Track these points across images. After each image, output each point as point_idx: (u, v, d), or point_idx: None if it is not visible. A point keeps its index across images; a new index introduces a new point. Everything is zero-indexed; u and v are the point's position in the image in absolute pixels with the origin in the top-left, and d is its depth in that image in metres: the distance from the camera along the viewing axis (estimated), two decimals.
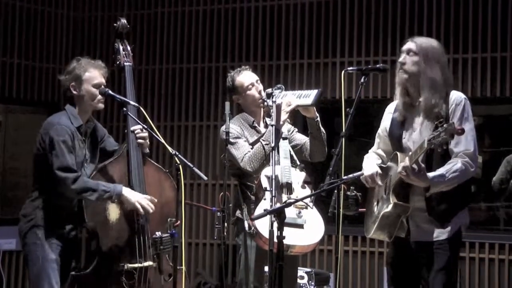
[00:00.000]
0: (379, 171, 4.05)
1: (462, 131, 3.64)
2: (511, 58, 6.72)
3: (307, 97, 4.68)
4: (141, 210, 4.56)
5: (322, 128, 4.80)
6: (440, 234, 3.95)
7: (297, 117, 5.31)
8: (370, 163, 4.15)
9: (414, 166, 3.77)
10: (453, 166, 3.87)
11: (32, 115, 7.61)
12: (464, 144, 3.91)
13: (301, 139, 4.97)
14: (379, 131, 4.27)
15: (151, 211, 4.58)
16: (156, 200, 4.63)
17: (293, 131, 5.01)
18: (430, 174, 3.83)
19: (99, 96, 4.65)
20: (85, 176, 4.56)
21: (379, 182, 4.04)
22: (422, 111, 4.00)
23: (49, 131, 4.53)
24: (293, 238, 4.45)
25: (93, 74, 4.64)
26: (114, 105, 7.52)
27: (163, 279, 4.71)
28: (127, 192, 4.56)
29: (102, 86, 4.66)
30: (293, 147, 4.92)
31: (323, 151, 4.84)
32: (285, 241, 4.21)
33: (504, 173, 6.98)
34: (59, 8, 7.94)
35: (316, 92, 4.66)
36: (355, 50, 7.24)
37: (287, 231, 4.19)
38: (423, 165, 3.80)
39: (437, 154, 3.85)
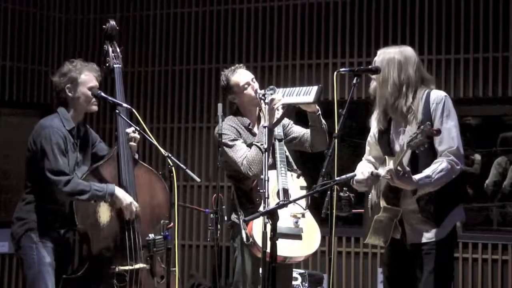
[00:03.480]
0: (373, 170, 4.05)
1: (437, 132, 3.65)
2: (503, 58, 6.73)
3: (307, 94, 4.59)
4: (126, 212, 4.56)
5: (323, 120, 4.75)
6: (434, 235, 3.95)
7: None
8: (363, 166, 4.17)
9: (399, 168, 3.77)
10: (439, 166, 3.86)
11: (24, 118, 7.59)
12: (447, 142, 3.91)
13: (300, 131, 4.91)
14: (368, 138, 4.29)
15: (129, 216, 4.60)
16: (139, 209, 4.63)
17: (289, 125, 4.94)
18: (416, 176, 3.82)
19: (94, 99, 4.65)
20: (77, 178, 4.55)
21: (366, 176, 4.03)
22: (400, 114, 4.03)
23: (41, 134, 4.52)
24: (291, 249, 4.46)
25: (89, 77, 4.66)
26: (106, 107, 7.52)
27: (155, 281, 4.70)
28: (119, 192, 4.56)
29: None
30: (292, 139, 4.88)
31: (325, 141, 4.76)
32: (283, 253, 4.24)
33: (496, 175, 7.01)
34: (50, 11, 7.92)
35: (316, 89, 4.56)
36: (347, 51, 7.24)
37: (284, 242, 4.20)
38: (407, 168, 3.79)
39: (423, 155, 3.84)
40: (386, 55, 4.10)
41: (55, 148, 4.47)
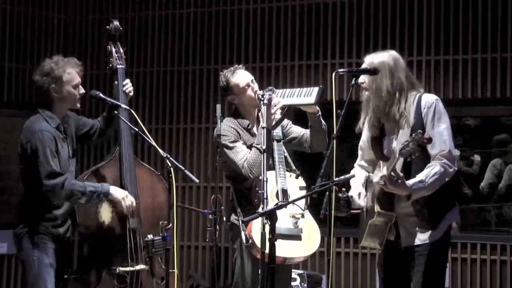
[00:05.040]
0: (363, 192, 4.08)
1: (428, 141, 3.67)
2: (502, 59, 6.73)
3: (308, 95, 4.59)
4: (124, 205, 4.55)
5: (323, 121, 4.76)
6: (428, 237, 3.97)
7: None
8: (356, 183, 4.16)
9: (392, 174, 3.78)
10: (432, 169, 3.88)
11: (23, 118, 7.54)
12: (439, 146, 3.93)
13: (299, 131, 4.91)
14: (361, 143, 4.30)
15: (127, 212, 4.60)
16: (135, 204, 4.63)
17: (288, 125, 4.94)
18: (410, 182, 3.84)
19: (78, 96, 4.63)
20: (70, 176, 4.55)
21: (362, 204, 4.06)
22: (392, 119, 4.04)
23: (31, 139, 4.48)
24: (291, 250, 4.46)
25: (72, 75, 4.61)
26: (105, 108, 7.51)
27: (155, 282, 4.71)
28: (114, 190, 4.55)
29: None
30: (291, 140, 4.88)
31: (324, 142, 4.77)
32: (283, 254, 4.24)
33: (491, 177, 7.01)
34: (49, 11, 7.92)
35: (317, 90, 4.56)
36: (346, 52, 7.24)
37: (284, 243, 4.21)
38: (401, 174, 3.81)
39: (416, 159, 3.84)
40: (375, 60, 4.09)
41: (48, 151, 4.44)
